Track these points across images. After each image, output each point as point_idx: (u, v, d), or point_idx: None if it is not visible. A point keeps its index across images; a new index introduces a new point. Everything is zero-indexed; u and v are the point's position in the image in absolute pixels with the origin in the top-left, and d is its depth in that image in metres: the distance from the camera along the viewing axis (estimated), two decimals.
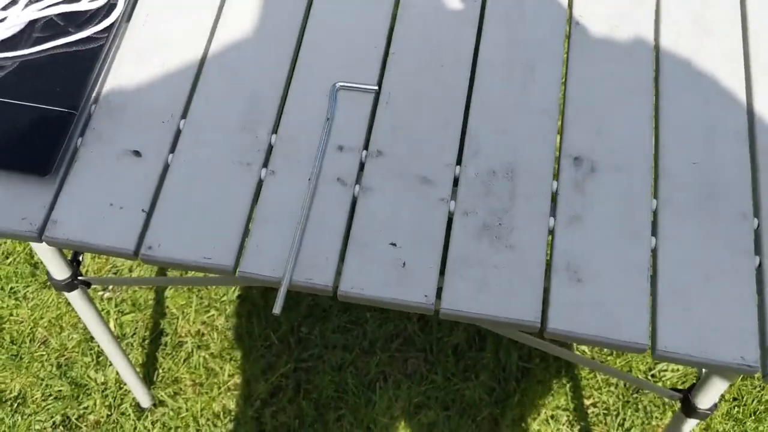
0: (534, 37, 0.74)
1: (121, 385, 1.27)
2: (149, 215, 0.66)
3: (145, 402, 1.24)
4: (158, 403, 1.26)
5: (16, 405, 1.28)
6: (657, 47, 0.74)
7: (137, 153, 0.69)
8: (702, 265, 0.62)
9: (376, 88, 0.70)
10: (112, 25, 0.72)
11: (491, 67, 0.73)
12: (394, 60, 0.74)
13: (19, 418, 1.26)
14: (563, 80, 0.72)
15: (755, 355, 0.59)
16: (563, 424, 1.23)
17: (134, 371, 1.16)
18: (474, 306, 0.61)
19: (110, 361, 1.21)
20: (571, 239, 0.64)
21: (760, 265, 0.63)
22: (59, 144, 0.67)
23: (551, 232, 0.65)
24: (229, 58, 0.74)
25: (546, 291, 0.62)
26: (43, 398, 1.28)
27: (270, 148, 0.69)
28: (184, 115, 0.71)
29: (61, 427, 1.26)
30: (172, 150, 0.69)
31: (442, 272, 0.63)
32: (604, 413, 1.24)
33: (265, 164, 0.69)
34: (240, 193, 0.67)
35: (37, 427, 1.26)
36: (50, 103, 0.68)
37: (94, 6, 0.72)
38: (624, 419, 1.23)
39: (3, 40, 0.71)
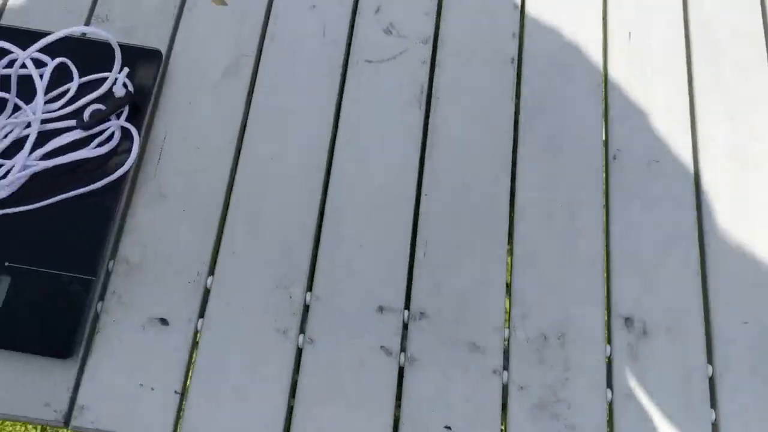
0: (572, 175, 0.71)
1: None
2: (182, 396, 0.61)
3: None
4: None
5: None
6: (698, 184, 0.72)
7: (164, 321, 0.63)
8: None
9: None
10: (126, 174, 0.66)
11: (530, 213, 0.70)
12: (427, 204, 0.69)
13: None
14: (605, 227, 0.69)
15: None
16: None
17: None
18: None
19: None
20: (630, 417, 0.62)
21: None
22: (80, 320, 0.61)
23: (610, 405, 0.63)
24: (253, 203, 0.69)
25: None
26: None
27: (306, 310, 0.65)
28: (211, 272, 0.65)
29: None
30: (202, 314, 0.64)
31: None
32: None
33: (302, 330, 0.64)
34: (278, 366, 0.63)
35: None
36: (65, 268, 0.62)
37: (102, 151, 0.65)
38: None
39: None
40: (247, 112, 0.72)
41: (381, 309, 0.65)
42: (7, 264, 0.62)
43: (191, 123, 0.70)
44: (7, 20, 0.74)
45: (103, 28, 0.74)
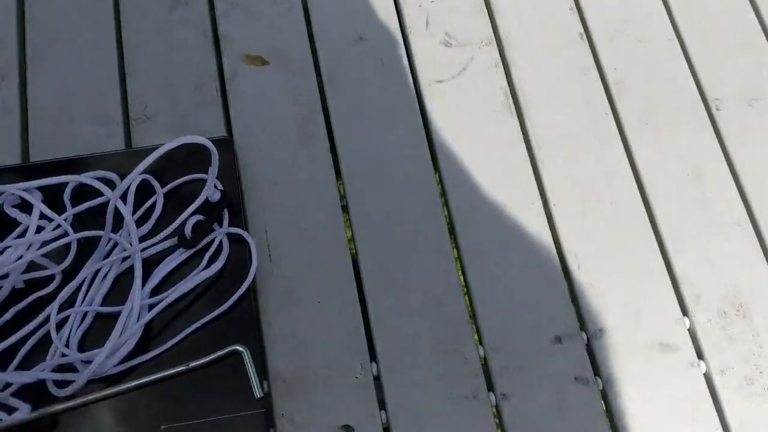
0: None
1: None
2: None
3: None
4: None
5: None
6: None
7: (348, 428, 0.58)
8: None
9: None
10: (248, 290, 0.59)
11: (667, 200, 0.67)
12: (558, 211, 0.66)
13: None
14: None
15: None
16: None
17: None
18: None
19: None
20: None
21: None
22: None
23: None
24: (386, 268, 0.64)
25: None
26: None
27: (485, 365, 0.60)
28: (373, 357, 0.60)
29: None
30: (382, 406, 0.58)
31: None
32: None
33: (490, 387, 0.60)
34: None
35: None
36: (225, 409, 0.56)
37: (218, 267, 0.59)
38: None
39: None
40: (339, 173, 0.65)
41: (558, 339, 0.61)
42: (163, 428, 0.54)
43: (286, 205, 0.64)
44: (38, 147, 0.65)
45: (148, 129, 0.66)
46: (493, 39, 0.72)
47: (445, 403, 0.58)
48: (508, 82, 0.70)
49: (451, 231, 0.64)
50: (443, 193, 0.65)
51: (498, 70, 0.70)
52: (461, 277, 0.63)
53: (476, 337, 0.61)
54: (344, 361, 0.59)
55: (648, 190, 0.66)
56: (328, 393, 0.58)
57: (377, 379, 0.60)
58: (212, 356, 0.56)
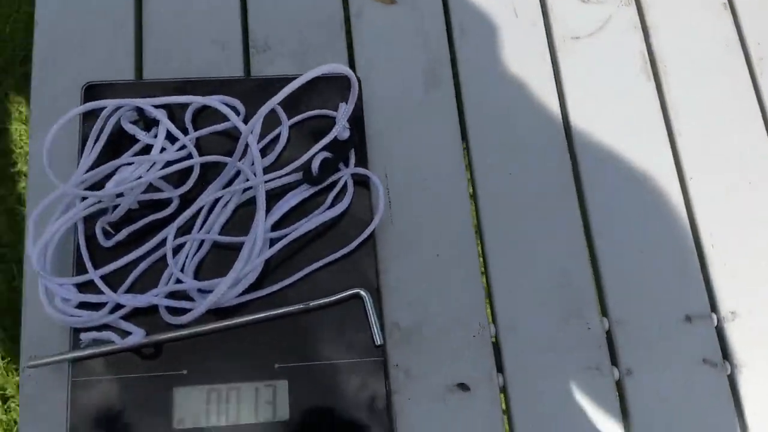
0: None
1: None
2: None
3: None
4: None
5: None
6: None
7: (464, 386, 0.55)
8: None
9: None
10: (371, 235, 0.56)
11: None
12: (694, 187, 0.62)
13: None
14: None
15: None
16: None
17: None
18: None
19: None
20: None
21: None
22: (386, 410, 0.53)
23: None
24: (508, 227, 0.61)
25: None
26: None
27: (609, 337, 0.57)
28: (492, 318, 0.57)
29: None
30: (500, 368, 0.55)
31: None
32: None
33: (614, 361, 0.57)
34: (603, 406, 0.56)
35: None
36: (342, 354, 0.53)
37: (343, 208, 0.57)
38: None
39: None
40: (464, 124, 0.62)
41: (688, 318, 0.58)
42: (278, 367, 0.52)
43: (407, 153, 0.60)
44: (152, 66, 0.62)
45: (268, 59, 0.62)
46: (633, 0, 0.68)
47: (565, 371, 0.56)
48: (647, 46, 0.67)
49: (580, 196, 0.61)
50: (573, 156, 0.62)
51: (636, 33, 0.67)
52: (588, 245, 0.59)
53: (600, 308, 0.58)
54: (462, 319, 0.57)
55: None
56: (444, 348, 0.56)
57: (495, 340, 0.56)
58: (333, 297, 0.53)
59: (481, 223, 0.59)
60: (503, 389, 0.55)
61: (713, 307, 0.59)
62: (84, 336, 0.51)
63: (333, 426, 0.51)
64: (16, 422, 1.18)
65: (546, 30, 0.67)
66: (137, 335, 0.50)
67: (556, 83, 0.65)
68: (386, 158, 0.61)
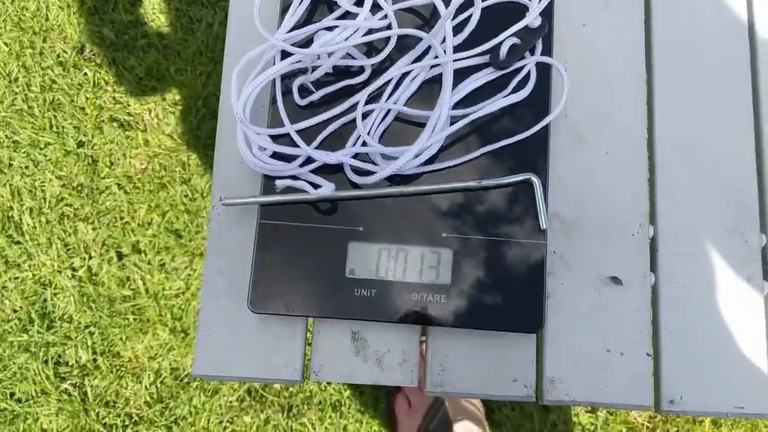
0: None
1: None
2: (656, 359, 0.56)
3: None
4: None
5: (194, 383, 1.24)
6: None
7: (616, 280, 0.57)
8: None
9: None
10: (548, 124, 0.58)
11: None
12: None
13: (203, 396, 1.23)
14: None
15: None
16: None
17: None
18: None
19: None
20: None
21: None
22: (542, 289, 0.56)
23: None
24: (684, 139, 0.62)
25: None
26: None
27: (765, 255, 0.59)
28: (652, 220, 0.59)
29: (248, 398, 1.23)
30: (653, 269, 0.58)
31: None
32: None
33: (766, 277, 0.58)
34: (748, 318, 0.58)
35: (222, 402, 1.23)
36: (506, 232, 0.56)
37: (525, 95, 0.59)
38: None
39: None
40: (649, 30, 0.62)
41: None
42: (444, 235, 0.55)
43: (588, 52, 0.61)
44: None
45: None
46: None
47: (717, 279, 0.58)
48: None
49: (756, 114, 0.61)
50: (754, 71, 0.62)
51: None
52: (756, 161, 0.60)
53: (761, 225, 0.59)
54: (623, 217, 0.59)
55: None
56: (602, 242, 0.58)
57: (654, 241, 0.58)
58: (505, 180, 0.56)
59: (654, 127, 0.60)
60: (654, 288, 0.58)
61: None
62: (279, 183, 0.55)
63: (489, 296, 0.55)
64: (129, 278, 1.27)
65: None
66: (327, 188, 0.54)
67: (748, 7, 0.64)
68: (567, 53, 0.62)
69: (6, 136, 1.37)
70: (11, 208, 1.34)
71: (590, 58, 0.61)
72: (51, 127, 1.39)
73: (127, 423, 1.26)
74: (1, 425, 1.26)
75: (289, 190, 0.55)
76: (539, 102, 0.58)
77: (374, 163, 0.56)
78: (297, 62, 0.57)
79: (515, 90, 0.58)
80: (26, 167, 1.36)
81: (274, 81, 0.58)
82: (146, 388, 1.27)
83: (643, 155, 0.59)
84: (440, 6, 0.57)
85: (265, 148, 0.56)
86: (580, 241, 0.58)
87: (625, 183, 0.59)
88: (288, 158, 0.56)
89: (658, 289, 0.57)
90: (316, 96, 0.57)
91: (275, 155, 0.56)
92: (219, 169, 0.59)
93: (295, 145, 0.55)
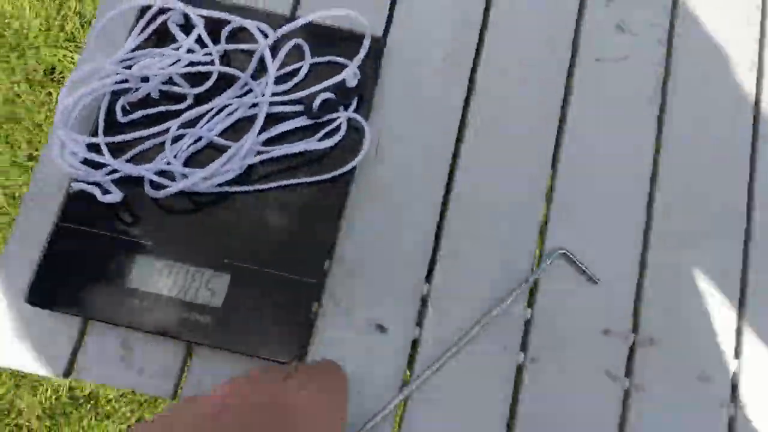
0: None
1: None
2: (405, 403, 0.59)
3: None
4: None
5: (89, 405, 1.28)
6: None
7: (381, 327, 0.61)
8: None
9: (599, 280, 0.62)
10: (353, 169, 0.63)
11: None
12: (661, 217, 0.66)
13: (93, 418, 1.27)
14: None
15: None
16: None
17: None
18: None
19: None
20: None
21: None
22: (303, 325, 0.60)
23: None
24: (473, 209, 0.66)
25: None
26: (115, 399, 1.29)
27: (527, 326, 0.62)
28: (428, 279, 0.63)
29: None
30: (419, 323, 0.61)
31: None
32: None
33: (523, 347, 0.61)
34: (498, 383, 0.61)
35: (111, 429, 1.27)
36: (287, 269, 0.60)
37: (330, 144, 0.63)
38: None
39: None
40: (466, 109, 0.67)
41: (606, 332, 0.62)
42: (226, 261, 0.59)
43: (408, 117, 0.66)
44: None
45: (312, 10, 0.70)
46: (666, 40, 0.71)
47: (479, 344, 0.61)
48: (662, 84, 0.70)
49: (550, 191, 0.66)
50: (555, 153, 0.66)
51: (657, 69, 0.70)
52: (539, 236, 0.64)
53: (529, 299, 0.63)
54: (403, 270, 0.63)
55: None
56: (377, 291, 0.62)
57: (425, 298, 0.62)
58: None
59: (451, 189, 0.66)
60: (416, 341, 0.61)
61: (635, 329, 0.62)
62: (74, 185, 0.60)
63: (254, 322, 0.59)
64: None
65: (572, 48, 0.71)
66: (116, 195, 0.59)
67: (564, 95, 0.69)
68: (388, 116, 0.67)
69: None
70: None
71: (408, 125, 0.67)
72: (5, 137, 1.46)
73: None
74: None
75: (83, 194, 0.60)
76: (346, 156, 0.63)
77: (174, 182, 0.61)
78: (123, 81, 0.62)
79: (325, 137, 0.63)
80: None
81: (105, 97, 0.63)
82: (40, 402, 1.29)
83: (434, 216, 0.65)
84: (267, 57, 0.63)
85: (77, 153, 0.61)
86: (358, 286, 0.62)
87: (412, 236, 0.63)
88: (97, 167, 0.61)
89: (420, 342, 0.61)
90: (135, 115, 0.62)
91: (86, 162, 0.61)
92: (38, 171, 0.64)
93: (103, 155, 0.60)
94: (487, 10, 0.72)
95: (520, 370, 0.61)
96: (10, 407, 1.30)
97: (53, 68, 1.50)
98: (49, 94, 1.48)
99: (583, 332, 0.62)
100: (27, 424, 1.28)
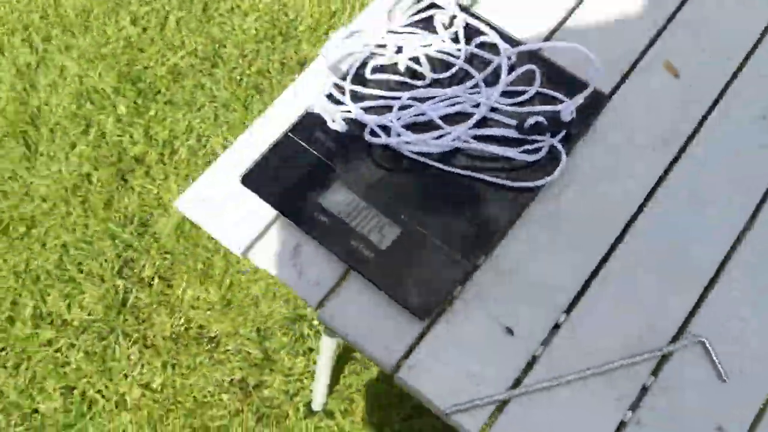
0: None
1: (303, 379, 1.31)
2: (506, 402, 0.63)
3: (317, 405, 1.27)
4: (328, 412, 1.29)
5: (209, 346, 1.37)
6: None
7: (510, 331, 0.65)
8: None
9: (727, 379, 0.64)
10: (539, 187, 0.70)
11: None
12: None
13: (207, 359, 1.36)
14: None
15: None
16: None
17: (329, 373, 1.16)
18: None
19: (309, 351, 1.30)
20: None
21: None
22: (445, 294, 0.66)
23: None
24: (630, 269, 0.69)
25: None
26: (233, 352, 1.36)
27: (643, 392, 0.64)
28: (570, 309, 0.66)
29: (237, 387, 1.33)
30: (545, 343, 0.65)
31: None
32: None
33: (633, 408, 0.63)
34: None
35: (217, 375, 1.34)
36: (450, 243, 0.66)
37: (528, 159, 0.70)
38: None
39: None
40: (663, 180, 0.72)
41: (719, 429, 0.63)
42: (403, 217, 0.67)
43: (606, 172, 0.72)
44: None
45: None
46: None
47: (594, 395, 0.64)
48: None
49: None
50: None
51: None
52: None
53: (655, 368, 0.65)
54: (545, 291, 0.67)
55: None
56: (516, 298, 0.67)
57: (558, 324, 0.66)
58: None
59: (622, 241, 0.70)
60: (538, 352, 0.65)
61: None
62: (313, 105, 0.72)
63: (407, 276, 0.66)
64: None
65: None
66: (342, 126, 0.70)
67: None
68: (589, 164, 0.73)
69: None
70: None
71: (603, 180, 0.73)
72: (244, 101, 1.63)
73: None
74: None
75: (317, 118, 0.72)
76: (538, 174, 0.70)
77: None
78: (381, 46, 0.74)
79: (524, 153, 0.70)
80: None
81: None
82: None
83: (594, 258, 0.69)
84: (504, 70, 0.72)
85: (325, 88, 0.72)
86: (500, 288, 0.68)
87: (563, 266, 0.68)
88: (336, 103, 0.73)
89: (541, 354, 0.65)
90: (380, 76, 0.73)
91: (329, 96, 0.73)
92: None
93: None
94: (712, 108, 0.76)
95: (623, 425, 0.63)
96: (147, 319, 1.42)
97: (305, 61, 1.68)
98: (293, 80, 1.66)
99: (695, 418, 0.63)
100: (152, 337, 1.40)
